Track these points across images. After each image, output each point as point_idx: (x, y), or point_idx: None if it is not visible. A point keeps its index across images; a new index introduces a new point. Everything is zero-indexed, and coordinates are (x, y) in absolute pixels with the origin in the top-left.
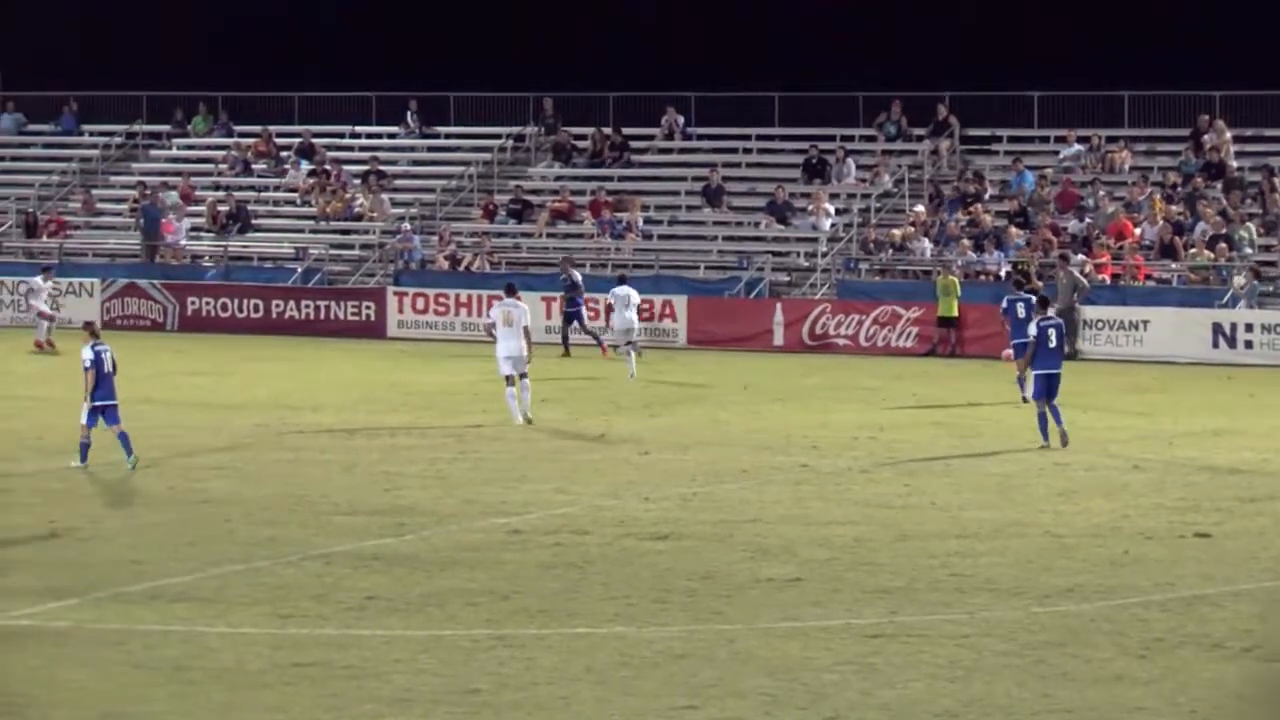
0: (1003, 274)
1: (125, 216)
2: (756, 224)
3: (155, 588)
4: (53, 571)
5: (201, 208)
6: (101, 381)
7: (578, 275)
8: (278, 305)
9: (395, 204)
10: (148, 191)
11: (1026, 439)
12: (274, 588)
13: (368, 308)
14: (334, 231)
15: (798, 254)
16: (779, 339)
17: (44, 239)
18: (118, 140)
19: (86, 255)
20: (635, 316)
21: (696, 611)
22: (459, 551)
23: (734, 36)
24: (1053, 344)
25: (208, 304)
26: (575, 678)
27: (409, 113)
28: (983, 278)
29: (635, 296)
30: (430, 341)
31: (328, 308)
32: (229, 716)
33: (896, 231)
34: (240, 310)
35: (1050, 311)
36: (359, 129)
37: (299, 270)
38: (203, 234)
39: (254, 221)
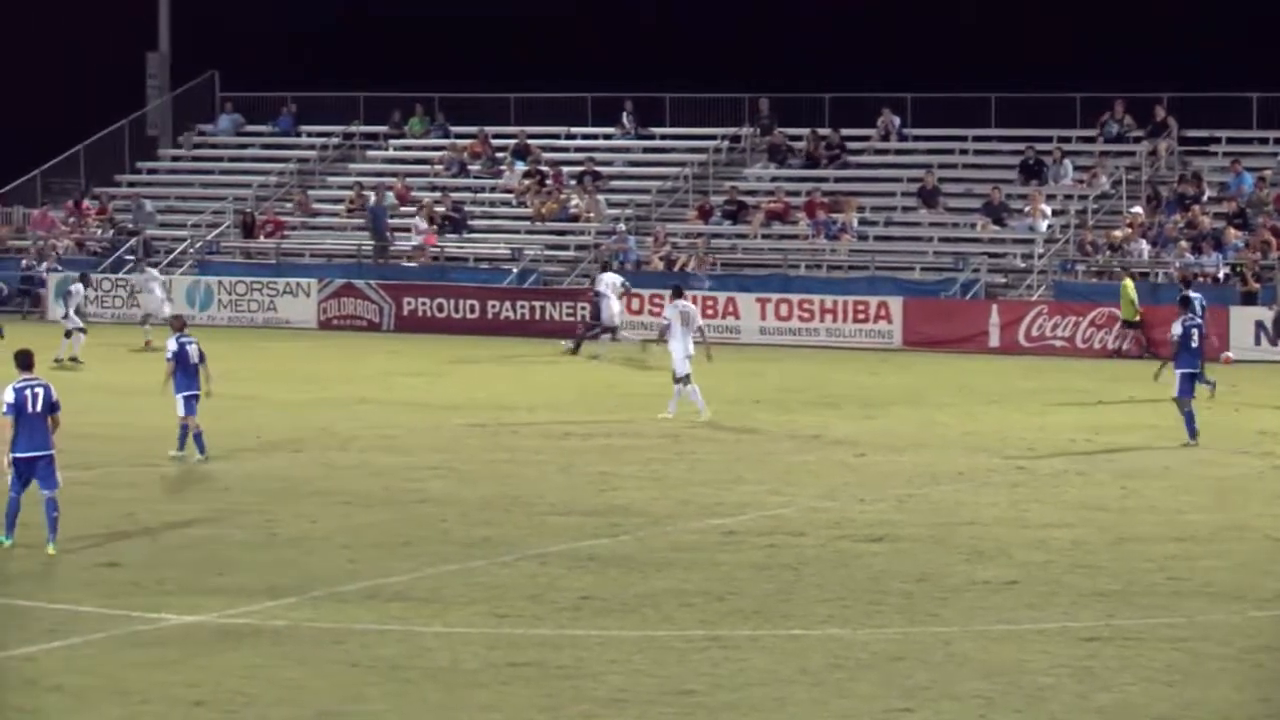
0: (1220, 276)
1: (342, 217)
2: (972, 225)
3: (372, 587)
4: (271, 570)
5: (418, 208)
6: (186, 372)
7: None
8: (493, 306)
9: (610, 205)
10: (365, 192)
11: (1244, 441)
12: (490, 587)
13: (583, 308)
14: (549, 232)
15: (1014, 255)
16: (995, 341)
17: (261, 239)
18: (335, 141)
19: (303, 256)
20: (619, 305)
21: (912, 614)
22: (674, 552)
23: (951, 37)
24: (1194, 344)
25: (423, 304)
26: (789, 679)
27: (624, 114)
28: (1200, 280)
29: (619, 284)
30: (646, 342)
31: (543, 308)
32: (445, 716)
33: (1115, 233)
34: (455, 311)
35: (1191, 312)
36: (574, 130)
37: (514, 271)
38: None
39: (470, 222)
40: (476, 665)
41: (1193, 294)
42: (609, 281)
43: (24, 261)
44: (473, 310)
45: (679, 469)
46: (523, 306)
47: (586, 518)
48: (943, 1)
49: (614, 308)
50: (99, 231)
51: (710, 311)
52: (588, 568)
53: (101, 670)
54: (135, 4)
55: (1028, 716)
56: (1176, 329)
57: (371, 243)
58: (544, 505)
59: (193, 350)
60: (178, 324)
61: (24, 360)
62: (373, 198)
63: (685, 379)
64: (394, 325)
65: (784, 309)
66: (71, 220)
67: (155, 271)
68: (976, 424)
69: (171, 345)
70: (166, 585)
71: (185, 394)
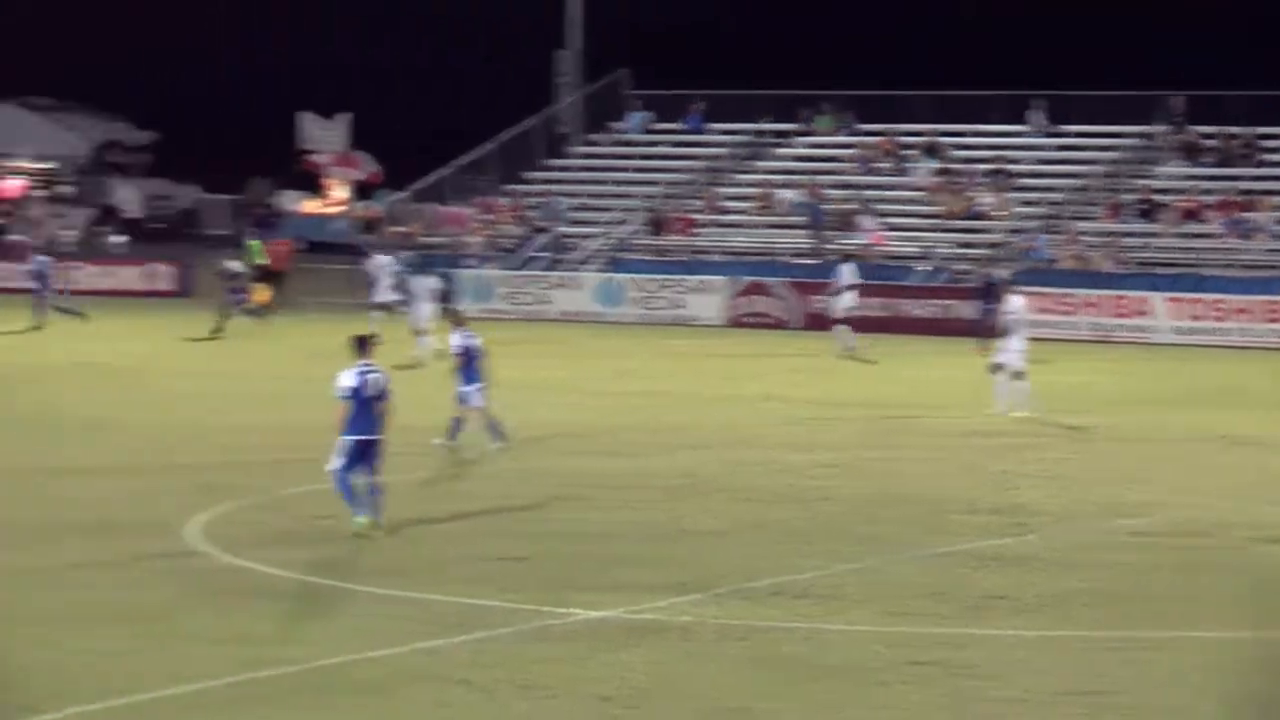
0: None
1: (751, 215)
2: None
3: (776, 584)
4: (678, 567)
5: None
6: (475, 366)
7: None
8: (902, 304)
9: (1021, 203)
10: (774, 190)
11: None
12: (891, 585)
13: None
14: (958, 230)
15: None
16: None
17: (670, 237)
18: (744, 139)
19: (712, 254)
20: (850, 299)
21: None
22: (1077, 552)
23: None
24: None
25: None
26: (1197, 684)
27: (1033, 111)
28: None
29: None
30: (1053, 341)
31: (952, 307)
32: (844, 714)
33: None
34: (865, 308)
35: None
36: (984, 128)
37: (925, 269)
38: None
39: (880, 220)
40: (879, 664)
41: None
42: (850, 272)
43: (465, 260)
44: (882, 308)
45: (1081, 468)
46: (932, 305)
47: (989, 516)
48: None
49: (844, 299)
50: (510, 229)
51: (1122, 310)
52: (990, 567)
53: (507, 664)
54: (547, 3)
55: None
56: None
57: (804, 241)
58: (946, 503)
59: (475, 346)
60: (458, 319)
61: (363, 345)
62: (804, 195)
63: (1017, 373)
64: (802, 323)
65: (1197, 308)
66: (483, 217)
67: (385, 259)
68: None
69: (457, 340)
70: (572, 580)
71: (474, 386)
